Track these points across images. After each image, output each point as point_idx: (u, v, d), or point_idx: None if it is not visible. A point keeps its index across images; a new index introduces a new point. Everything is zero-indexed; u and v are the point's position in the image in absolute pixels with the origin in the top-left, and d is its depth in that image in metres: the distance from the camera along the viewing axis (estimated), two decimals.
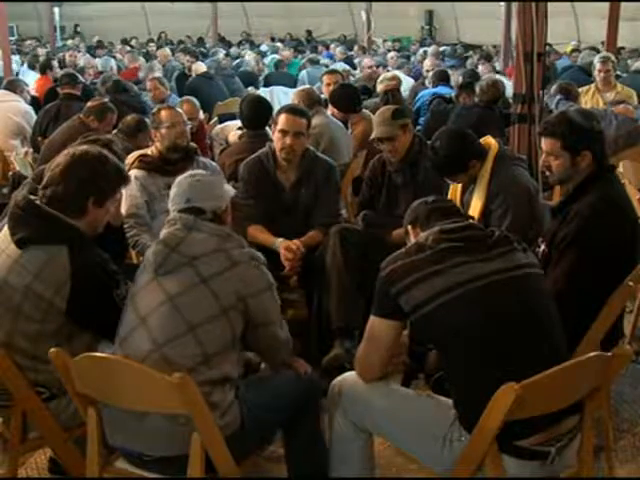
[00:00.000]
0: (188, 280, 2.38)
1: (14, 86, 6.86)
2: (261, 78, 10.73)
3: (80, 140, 3.69)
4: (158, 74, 8.41)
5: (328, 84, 6.51)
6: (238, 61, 12.16)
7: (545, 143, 3.05)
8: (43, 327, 2.55)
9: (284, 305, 3.83)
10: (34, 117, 6.58)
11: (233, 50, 16.04)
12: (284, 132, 3.90)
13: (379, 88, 6.80)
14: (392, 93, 6.53)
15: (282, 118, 3.92)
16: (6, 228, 2.66)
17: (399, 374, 2.98)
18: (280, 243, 3.80)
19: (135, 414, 2.32)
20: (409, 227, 2.59)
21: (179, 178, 2.71)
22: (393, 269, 2.31)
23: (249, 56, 12.06)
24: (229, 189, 2.73)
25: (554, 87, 6.41)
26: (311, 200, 4.01)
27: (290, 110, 4.00)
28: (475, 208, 3.61)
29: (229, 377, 2.39)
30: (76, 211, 2.62)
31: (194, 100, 6.21)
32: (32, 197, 2.66)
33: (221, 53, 12.69)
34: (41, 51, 14.32)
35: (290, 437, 2.63)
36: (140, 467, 2.41)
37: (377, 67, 9.20)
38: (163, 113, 4.09)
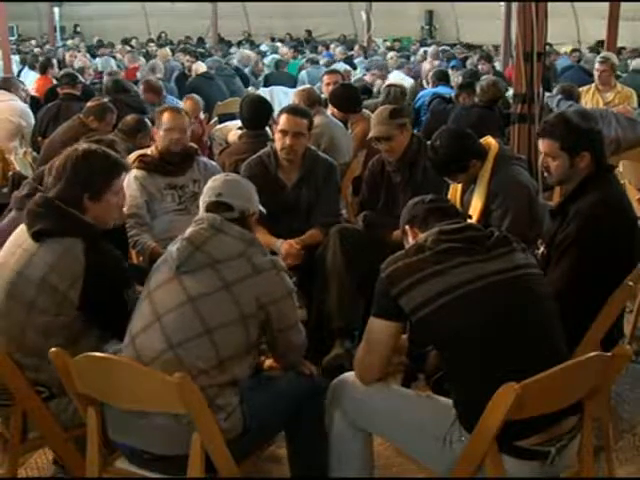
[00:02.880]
0: (210, 283, 2.38)
1: (9, 84, 6.84)
2: (260, 78, 10.73)
3: (82, 140, 3.70)
4: (159, 75, 8.43)
5: (328, 84, 6.53)
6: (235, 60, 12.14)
7: (543, 144, 3.05)
8: (55, 320, 2.56)
9: None
10: (31, 115, 6.57)
11: (233, 50, 16.04)
12: (284, 132, 3.91)
13: (385, 84, 6.87)
14: (394, 88, 6.61)
15: (283, 118, 3.94)
16: (22, 226, 2.69)
17: (399, 374, 2.98)
18: (281, 244, 3.81)
19: (137, 412, 2.31)
20: (406, 227, 2.58)
21: (216, 175, 2.79)
22: (393, 270, 2.31)
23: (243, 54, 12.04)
24: (258, 200, 2.75)
25: (556, 88, 6.43)
26: (313, 199, 4.02)
27: (291, 110, 4.01)
28: (475, 208, 3.61)
29: (237, 381, 2.39)
30: (77, 209, 2.63)
31: (197, 98, 6.22)
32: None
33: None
34: (39, 51, 14.33)
35: (293, 437, 2.62)
36: (141, 466, 2.41)
37: (382, 76, 9.20)
38: (165, 115, 4.08)
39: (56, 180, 2.67)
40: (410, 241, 2.52)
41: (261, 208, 2.76)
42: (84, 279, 2.53)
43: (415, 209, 2.55)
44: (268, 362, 2.76)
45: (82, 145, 2.79)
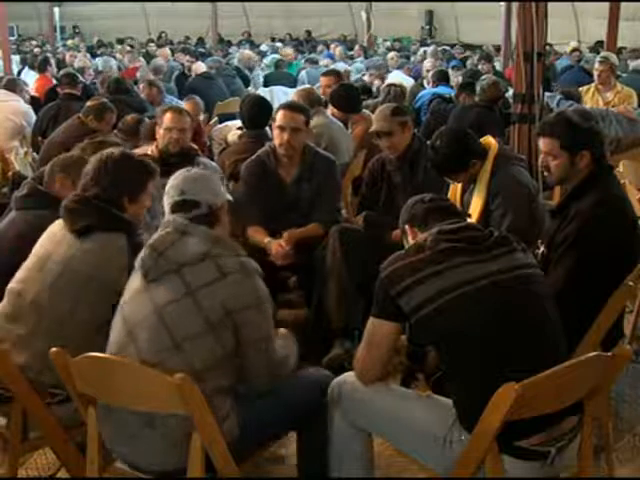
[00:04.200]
0: (175, 290, 2.28)
1: (14, 85, 6.87)
2: (256, 73, 10.74)
3: (87, 140, 3.76)
4: (161, 76, 8.43)
5: (326, 86, 6.53)
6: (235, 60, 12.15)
7: (543, 143, 3.05)
8: (99, 313, 2.61)
9: (284, 306, 3.86)
10: (33, 117, 6.58)
11: (232, 50, 16.04)
12: (282, 128, 3.94)
13: (384, 84, 6.89)
14: (394, 88, 6.63)
15: (280, 114, 3.98)
16: (56, 224, 2.78)
17: (398, 374, 2.98)
18: (268, 243, 3.79)
19: (130, 430, 2.30)
20: (406, 226, 2.57)
21: (175, 173, 2.61)
22: (393, 270, 2.31)
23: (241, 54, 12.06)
24: (225, 190, 2.64)
25: (557, 92, 6.43)
26: (313, 195, 4.03)
27: (287, 106, 4.05)
28: (475, 208, 3.60)
29: (223, 389, 2.32)
30: (116, 209, 2.76)
31: (198, 99, 6.23)
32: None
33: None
34: (39, 51, 14.32)
35: (304, 438, 2.58)
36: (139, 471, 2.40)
37: (380, 76, 9.20)
38: (167, 115, 4.11)
39: (93, 182, 2.78)
40: (410, 241, 2.51)
41: (229, 197, 2.65)
42: (129, 271, 2.56)
43: (414, 208, 2.55)
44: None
45: (117, 149, 2.93)
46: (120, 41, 18.19)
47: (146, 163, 2.94)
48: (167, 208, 2.51)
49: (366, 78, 9.22)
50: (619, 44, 9.65)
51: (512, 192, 3.56)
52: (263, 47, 16.75)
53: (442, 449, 2.30)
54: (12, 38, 15.72)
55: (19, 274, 2.77)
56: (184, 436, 2.23)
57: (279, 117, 3.97)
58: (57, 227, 2.78)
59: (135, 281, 2.40)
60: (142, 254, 2.38)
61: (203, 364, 2.26)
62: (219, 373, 2.30)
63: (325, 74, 7.04)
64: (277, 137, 3.98)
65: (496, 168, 3.61)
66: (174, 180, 2.54)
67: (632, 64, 9.59)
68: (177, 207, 2.47)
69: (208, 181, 2.55)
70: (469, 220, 2.89)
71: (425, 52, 11.91)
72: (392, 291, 2.28)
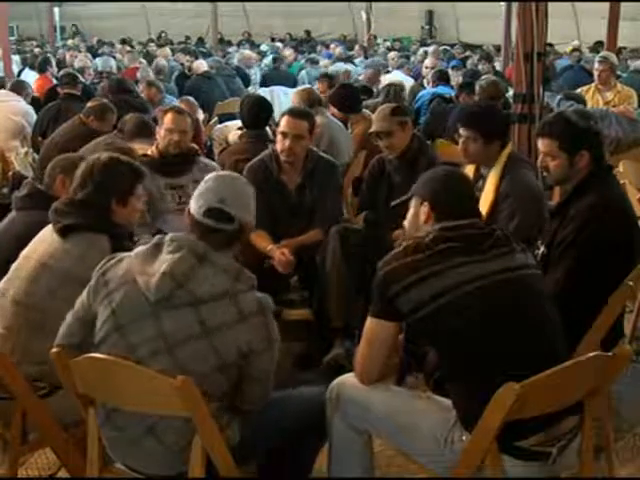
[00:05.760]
0: (188, 325, 2.20)
1: (19, 88, 6.90)
2: (253, 70, 10.75)
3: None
4: (162, 77, 8.45)
5: (321, 92, 6.55)
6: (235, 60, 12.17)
7: (542, 144, 3.04)
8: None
9: (286, 305, 3.85)
10: (34, 117, 6.58)
11: (231, 50, 16.04)
12: (284, 134, 3.91)
13: (383, 84, 6.90)
14: (394, 87, 6.63)
15: (283, 120, 3.95)
16: (48, 227, 2.80)
17: (394, 375, 2.98)
18: (270, 250, 3.76)
19: (130, 436, 2.29)
20: (426, 204, 2.41)
21: (216, 172, 2.41)
22: (390, 270, 2.29)
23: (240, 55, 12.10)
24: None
25: (559, 95, 6.43)
26: (316, 200, 4.01)
27: (291, 112, 4.02)
28: (484, 205, 3.55)
29: (223, 406, 2.31)
30: (104, 212, 2.79)
31: (191, 100, 6.24)
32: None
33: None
34: (40, 51, 14.34)
35: (293, 452, 2.52)
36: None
37: (379, 71, 9.22)
38: (168, 115, 4.10)
39: (82, 186, 2.81)
40: (421, 219, 2.43)
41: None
42: None
43: (444, 198, 2.41)
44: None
45: (105, 153, 2.96)
46: (124, 41, 18.18)
47: (135, 167, 2.93)
48: (197, 208, 2.29)
49: (361, 77, 9.22)
50: (619, 44, 9.66)
51: (522, 195, 3.50)
52: (263, 47, 16.76)
53: (443, 450, 2.30)
54: (12, 38, 15.72)
55: (7, 274, 2.81)
56: (185, 445, 2.23)
57: (282, 123, 3.94)
58: (48, 230, 2.81)
59: (135, 300, 2.24)
60: (156, 281, 2.19)
61: (206, 395, 2.20)
62: (221, 399, 2.30)
63: (319, 80, 7.06)
64: (279, 143, 3.94)
65: (508, 167, 3.57)
66: (214, 181, 2.33)
67: (632, 64, 9.59)
68: (211, 214, 2.27)
69: (247, 195, 2.37)
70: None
71: (425, 52, 11.92)
72: (389, 292, 2.27)
